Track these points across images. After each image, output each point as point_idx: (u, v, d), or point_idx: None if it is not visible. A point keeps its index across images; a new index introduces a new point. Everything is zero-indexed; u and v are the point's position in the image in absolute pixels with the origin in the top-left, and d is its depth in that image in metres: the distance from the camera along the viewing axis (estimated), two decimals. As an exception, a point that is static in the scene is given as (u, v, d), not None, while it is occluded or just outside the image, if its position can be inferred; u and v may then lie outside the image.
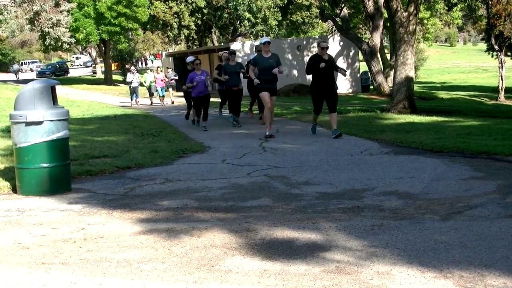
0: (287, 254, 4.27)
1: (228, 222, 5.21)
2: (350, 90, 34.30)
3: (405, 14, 18.65)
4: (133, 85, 25.53)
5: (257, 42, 15.05)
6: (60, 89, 23.62)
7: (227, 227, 5.01)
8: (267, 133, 11.41)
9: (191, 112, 15.41)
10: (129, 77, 25.90)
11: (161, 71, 27.65)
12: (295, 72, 33.72)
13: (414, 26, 18.72)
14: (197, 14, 44.51)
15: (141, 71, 69.61)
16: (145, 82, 26.46)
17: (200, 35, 48.52)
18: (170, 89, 26.49)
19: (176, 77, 25.25)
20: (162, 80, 26.17)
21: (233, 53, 14.77)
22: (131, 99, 25.83)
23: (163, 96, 26.39)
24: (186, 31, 45.18)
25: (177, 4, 43.37)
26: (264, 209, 5.71)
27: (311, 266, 3.98)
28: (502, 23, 33.69)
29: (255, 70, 11.64)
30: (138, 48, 63.35)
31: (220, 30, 49.31)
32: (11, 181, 7.04)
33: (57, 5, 44.70)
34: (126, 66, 47.90)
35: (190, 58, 14.87)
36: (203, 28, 47.56)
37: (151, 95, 26.48)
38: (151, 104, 25.79)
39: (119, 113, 19.73)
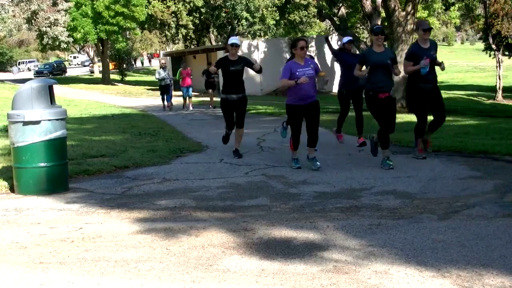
0: (285, 253, 4.27)
1: (226, 221, 5.21)
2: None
3: (403, 13, 18.68)
4: (163, 83, 20.72)
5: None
6: (58, 89, 23.46)
7: (225, 227, 5.01)
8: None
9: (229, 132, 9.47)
10: (160, 73, 20.72)
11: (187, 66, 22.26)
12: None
13: (412, 26, 18.74)
14: (195, 14, 44.45)
15: (138, 71, 69.55)
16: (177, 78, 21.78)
17: (198, 35, 48.44)
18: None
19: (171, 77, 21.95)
20: (189, 77, 21.20)
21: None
22: (166, 101, 21.19)
23: (188, 97, 21.31)
24: (184, 31, 45.12)
25: (175, 3, 43.33)
26: (262, 208, 5.71)
27: (309, 266, 3.98)
28: (499, 22, 33.72)
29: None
30: (136, 47, 63.33)
31: (218, 29, 49.24)
32: (8, 180, 7.03)
33: (54, 4, 44.70)
34: (128, 64, 47.56)
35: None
36: (201, 28, 47.49)
37: (184, 97, 21.46)
38: (184, 108, 21.30)
39: (117, 112, 19.71)
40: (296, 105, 7.71)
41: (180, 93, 21.75)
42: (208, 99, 22.88)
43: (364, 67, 8.13)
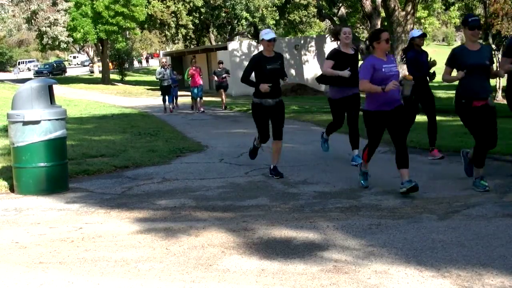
0: (285, 253, 4.27)
1: (226, 221, 5.21)
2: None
3: (403, 13, 18.69)
4: (165, 83, 19.55)
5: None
6: (58, 88, 23.41)
7: (224, 227, 5.01)
8: None
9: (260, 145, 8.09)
10: (160, 72, 19.70)
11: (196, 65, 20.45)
12: (292, 71, 33.72)
13: (412, 25, 18.75)
14: (194, 13, 44.46)
15: (138, 71, 69.53)
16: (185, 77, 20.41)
17: (198, 34, 48.44)
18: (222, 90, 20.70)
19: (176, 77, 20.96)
20: (199, 77, 19.69)
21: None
22: (165, 102, 19.92)
23: (199, 98, 19.71)
24: (183, 30, 45.13)
25: (174, 3, 43.33)
26: (261, 208, 5.71)
27: (309, 265, 3.98)
28: (499, 22, 33.73)
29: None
30: (135, 47, 63.28)
31: (218, 29, 49.25)
32: (8, 180, 7.02)
33: (54, 4, 44.66)
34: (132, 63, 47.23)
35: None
36: (200, 28, 47.49)
37: (194, 98, 20.06)
38: (193, 109, 20.12)
39: (117, 112, 19.70)
40: (380, 112, 6.20)
41: (183, 93, 21.38)
42: (218, 99, 22.30)
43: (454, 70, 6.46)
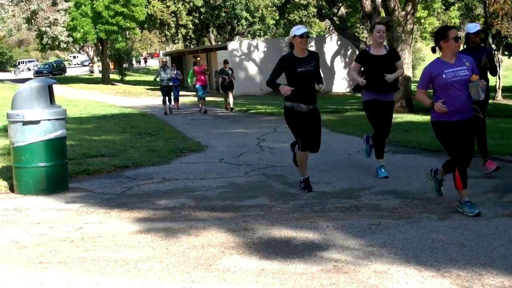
0: (284, 253, 4.27)
1: (226, 221, 5.21)
2: (348, 90, 34.31)
3: (403, 13, 18.68)
4: (163, 83, 18.85)
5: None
6: (57, 88, 23.35)
7: (224, 226, 5.01)
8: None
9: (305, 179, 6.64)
10: (160, 74, 19.03)
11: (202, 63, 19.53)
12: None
13: (412, 25, 18.75)
14: (194, 13, 44.48)
15: (138, 71, 69.50)
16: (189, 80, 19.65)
17: (198, 34, 48.46)
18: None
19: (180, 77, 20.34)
20: (204, 76, 18.99)
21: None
22: (165, 103, 19.01)
23: (203, 99, 19.09)
24: (183, 30, 45.14)
25: (174, 3, 43.35)
26: (261, 208, 5.71)
27: (309, 265, 3.98)
28: (499, 22, 33.70)
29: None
30: (135, 47, 63.28)
31: (218, 29, 49.28)
32: (8, 180, 7.02)
33: (54, 4, 44.68)
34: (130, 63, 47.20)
35: None
36: (200, 27, 47.51)
37: (201, 98, 19.09)
38: (200, 111, 19.04)
39: (117, 112, 19.70)
40: (448, 122, 5.32)
41: (182, 93, 20.86)
42: (218, 99, 21.83)
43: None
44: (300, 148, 6.48)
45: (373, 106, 7.09)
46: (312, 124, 6.44)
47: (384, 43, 7.26)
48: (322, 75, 6.62)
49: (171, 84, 18.93)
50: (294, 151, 6.76)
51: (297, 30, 6.37)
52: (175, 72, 19.63)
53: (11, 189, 6.83)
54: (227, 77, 19.24)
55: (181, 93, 22.09)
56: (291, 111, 6.44)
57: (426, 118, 14.59)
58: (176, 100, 20.53)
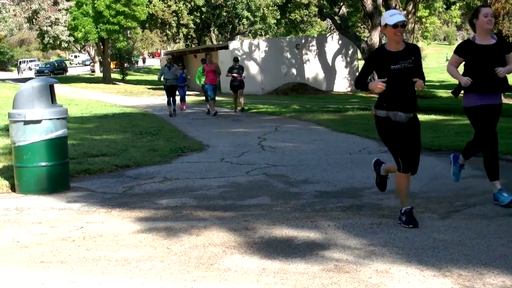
0: (286, 252, 4.27)
1: (227, 220, 5.22)
2: (349, 89, 34.31)
3: (404, 12, 18.67)
4: (168, 83, 17.83)
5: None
6: (59, 88, 23.32)
7: (226, 226, 5.01)
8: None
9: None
10: (164, 73, 17.98)
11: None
12: (293, 70, 33.73)
13: (413, 25, 18.74)
14: (195, 13, 44.51)
15: (139, 70, 69.48)
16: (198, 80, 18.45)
17: (199, 34, 48.50)
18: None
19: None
20: (214, 75, 17.78)
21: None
22: (170, 104, 18.02)
23: (213, 100, 17.91)
24: (184, 30, 45.19)
25: (175, 2, 43.37)
26: (262, 207, 5.71)
27: (310, 265, 3.98)
28: (500, 21, 33.69)
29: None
30: (136, 46, 63.29)
31: (219, 28, 49.32)
32: (9, 179, 7.03)
33: (55, 3, 44.72)
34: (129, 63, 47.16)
35: None
36: (201, 27, 47.56)
37: (211, 99, 17.87)
38: (209, 113, 17.94)
39: (118, 111, 19.71)
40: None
41: (187, 92, 20.12)
42: (226, 99, 21.34)
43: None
44: (401, 170, 5.08)
45: (483, 113, 5.59)
46: (412, 137, 5.13)
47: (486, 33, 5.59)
48: (423, 72, 5.22)
49: (176, 83, 18.04)
50: (381, 172, 5.68)
51: (389, 18, 4.92)
52: (181, 72, 18.81)
53: (13, 189, 6.83)
54: (237, 76, 18.23)
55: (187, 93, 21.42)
56: (386, 122, 5.02)
57: (427, 117, 14.60)
58: (183, 100, 19.74)
